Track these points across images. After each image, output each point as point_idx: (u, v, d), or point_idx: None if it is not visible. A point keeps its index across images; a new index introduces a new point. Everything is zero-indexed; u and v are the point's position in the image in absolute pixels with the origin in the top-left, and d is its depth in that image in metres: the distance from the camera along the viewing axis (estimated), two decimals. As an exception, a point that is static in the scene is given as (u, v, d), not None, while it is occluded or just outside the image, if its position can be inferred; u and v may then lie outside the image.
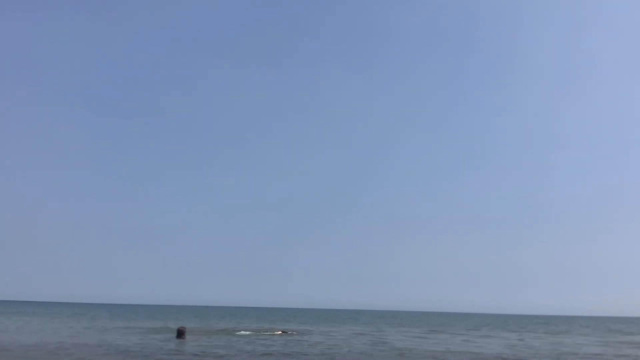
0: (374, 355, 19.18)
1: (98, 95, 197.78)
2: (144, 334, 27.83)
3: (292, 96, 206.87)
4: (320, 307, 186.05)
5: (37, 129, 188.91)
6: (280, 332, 31.67)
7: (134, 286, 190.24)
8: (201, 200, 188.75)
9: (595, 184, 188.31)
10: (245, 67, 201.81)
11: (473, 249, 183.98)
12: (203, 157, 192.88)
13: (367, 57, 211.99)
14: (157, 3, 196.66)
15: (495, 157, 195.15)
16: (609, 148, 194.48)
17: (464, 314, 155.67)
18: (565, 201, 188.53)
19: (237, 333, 30.33)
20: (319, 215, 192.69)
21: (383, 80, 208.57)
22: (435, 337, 31.10)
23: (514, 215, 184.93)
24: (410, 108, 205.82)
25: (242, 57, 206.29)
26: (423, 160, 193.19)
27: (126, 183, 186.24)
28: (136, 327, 34.71)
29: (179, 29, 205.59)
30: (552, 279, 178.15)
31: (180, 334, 23.94)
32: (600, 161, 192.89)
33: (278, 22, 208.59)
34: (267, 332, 31.80)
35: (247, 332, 30.99)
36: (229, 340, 24.87)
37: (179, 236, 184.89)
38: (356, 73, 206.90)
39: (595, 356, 20.97)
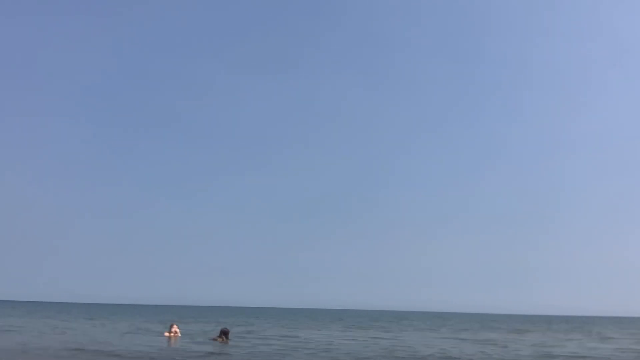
0: None
1: (104, 98, 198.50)
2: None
3: (306, 101, 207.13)
4: (336, 308, 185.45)
5: (40, 129, 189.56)
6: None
7: (150, 287, 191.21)
8: (213, 203, 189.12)
9: (608, 185, 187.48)
10: (257, 74, 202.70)
11: (489, 250, 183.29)
12: (217, 160, 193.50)
13: (382, 64, 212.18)
14: (165, 10, 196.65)
15: (509, 159, 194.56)
16: (620, 150, 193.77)
17: (482, 314, 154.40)
18: (580, 202, 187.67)
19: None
20: (334, 217, 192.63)
21: (398, 86, 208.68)
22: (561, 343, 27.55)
23: (528, 216, 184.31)
24: (426, 113, 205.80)
25: (254, 63, 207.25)
26: (438, 163, 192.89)
27: (142, 188, 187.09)
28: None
29: (188, 36, 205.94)
30: (568, 279, 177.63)
31: (224, 334, 23.09)
32: (612, 163, 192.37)
33: (290, 30, 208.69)
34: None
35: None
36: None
37: (190, 238, 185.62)
38: (371, 79, 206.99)
39: None
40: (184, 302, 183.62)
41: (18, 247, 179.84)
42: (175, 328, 24.90)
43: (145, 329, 32.30)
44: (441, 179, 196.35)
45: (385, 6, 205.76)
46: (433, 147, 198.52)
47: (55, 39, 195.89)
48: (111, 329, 31.23)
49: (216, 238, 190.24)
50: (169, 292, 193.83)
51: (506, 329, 46.25)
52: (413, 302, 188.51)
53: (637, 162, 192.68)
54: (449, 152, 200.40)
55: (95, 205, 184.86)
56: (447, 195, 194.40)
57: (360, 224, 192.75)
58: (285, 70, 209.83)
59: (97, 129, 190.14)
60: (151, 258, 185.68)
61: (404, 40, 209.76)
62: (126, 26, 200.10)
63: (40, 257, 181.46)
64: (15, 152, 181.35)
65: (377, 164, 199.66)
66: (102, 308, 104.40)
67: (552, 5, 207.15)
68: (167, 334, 24.91)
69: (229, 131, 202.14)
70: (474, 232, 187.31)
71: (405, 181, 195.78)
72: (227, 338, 22.78)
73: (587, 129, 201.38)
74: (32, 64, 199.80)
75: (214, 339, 22.92)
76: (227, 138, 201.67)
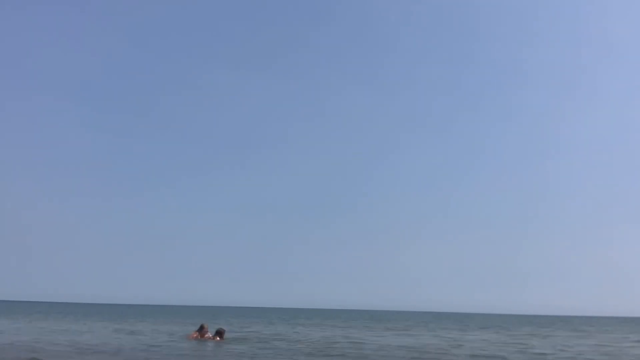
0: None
1: (101, 94, 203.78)
2: (166, 334, 28.66)
3: (293, 99, 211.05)
4: (324, 308, 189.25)
5: (41, 127, 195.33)
6: None
7: (133, 287, 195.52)
8: (203, 201, 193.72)
9: (597, 186, 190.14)
10: (247, 71, 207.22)
11: (476, 249, 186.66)
12: (206, 158, 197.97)
13: (369, 62, 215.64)
14: (164, 5, 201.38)
15: (499, 159, 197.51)
16: (611, 150, 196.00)
17: (472, 314, 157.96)
18: (569, 202, 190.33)
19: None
20: (321, 216, 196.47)
21: (385, 85, 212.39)
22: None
23: (519, 216, 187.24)
24: (413, 111, 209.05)
25: (244, 61, 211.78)
26: (425, 161, 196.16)
27: (129, 183, 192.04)
28: (151, 328, 35.28)
29: (183, 31, 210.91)
30: (557, 279, 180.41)
31: (219, 334, 24.06)
32: (602, 164, 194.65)
33: (278, 29, 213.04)
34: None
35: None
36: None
37: (181, 237, 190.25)
38: (357, 78, 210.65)
39: None
40: (175, 302, 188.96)
41: (13, 246, 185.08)
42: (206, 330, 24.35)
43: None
44: (432, 178, 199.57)
45: (376, 6, 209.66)
46: (425, 146, 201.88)
47: (51, 36, 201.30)
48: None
49: (202, 237, 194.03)
50: (149, 292, 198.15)
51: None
52: (403, 302, 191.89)
53: (628, 162, 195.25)
54: (440, 152, 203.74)
55: (91, 205, 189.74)
56: (437, 195, 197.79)
57: (349, 223, 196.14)
58: (274, 69, 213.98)
59: (92, 127, 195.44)
60: (131, 257, 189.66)
61: (393, 41, 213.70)
62: (127, 20, 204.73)
63: (35, 256, 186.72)
64: (12, 152, 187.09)
65: (366, 162, 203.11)
66: (102, 308, 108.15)
67: (543, 7, 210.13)
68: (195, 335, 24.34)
69: (218, 128, 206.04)
70: (464, 232, 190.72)
71: (395, 179, 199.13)
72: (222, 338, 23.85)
73: (577, 130, 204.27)
74: (29, 62, 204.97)
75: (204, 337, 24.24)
76: (216, 135, 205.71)
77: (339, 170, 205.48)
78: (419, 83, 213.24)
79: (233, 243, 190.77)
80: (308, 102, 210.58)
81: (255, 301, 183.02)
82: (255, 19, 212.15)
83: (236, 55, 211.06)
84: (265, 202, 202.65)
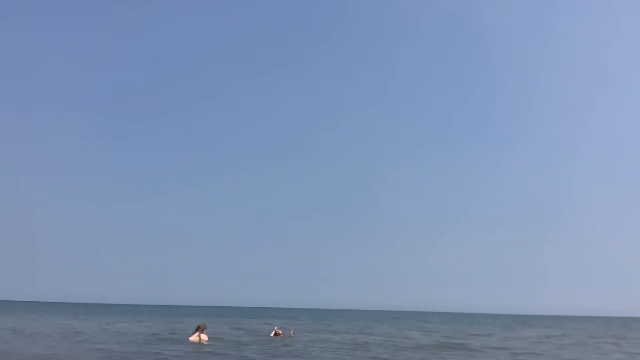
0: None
1: (101, 97, 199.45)
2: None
3: (320, 105, 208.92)
4: (349, 308, 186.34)
5: (46, 129, 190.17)
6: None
7: (171, 288, 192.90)
8: (231, 205, 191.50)
9: (613, 187, 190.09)
10: (263, 76, 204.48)
11: (495, 250, 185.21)
12: (232, 161, 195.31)
13: (386, 70, 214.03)
14: (170, 12, 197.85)
15: (514, 161, 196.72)
16: (626, 151, 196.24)
17: (492, 315, 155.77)
18: (585, 203, 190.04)
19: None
20: (341, 219, 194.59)
21: (404, 90, 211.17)
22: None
23: (534, 217, 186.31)
24: (431, 117, 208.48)
25: (262, 66, 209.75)
26: (444, 165, 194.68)
27: (158, 188, 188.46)
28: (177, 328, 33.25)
29: (194, 39, 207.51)
30: (575, 279, 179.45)
31: (198, 330, 21.86)
32: (618, 165, 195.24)
33: (295, 35, 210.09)
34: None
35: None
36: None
37: (210, 240, 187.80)
38: (377, 85, 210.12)
39: None
40: (186, 303, 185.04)
41: (14, 246, 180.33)
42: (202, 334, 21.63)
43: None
44: (448, 180, 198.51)
45: (386, 15, 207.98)
46: (439, 149, 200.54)
47: (59, 40, 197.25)
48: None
49: (220, 238, 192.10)
50: (172, 292, 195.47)
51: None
52: (421, 303, 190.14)
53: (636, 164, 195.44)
54: (455, 154, 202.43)
55: (94, 204, 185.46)
56: (453, 196, 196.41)
57: (368, 225, 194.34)
58: (289, 73, 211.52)
59: (97, 127, 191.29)
60: (164, 261, 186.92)
61: (408, 46, 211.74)
62: (129, 28, 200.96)
63: (36, 256, 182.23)
64: (12, 151, 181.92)
65: (388, 165, 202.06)
66: (106, 308, 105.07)
67: (558, 8, 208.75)
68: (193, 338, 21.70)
69: (244, 132, 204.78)
70: (480, 233, 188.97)
71: (412, 182, 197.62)
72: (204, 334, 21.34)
73: (592, 132, 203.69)
74: (38, 63, 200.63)
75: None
76: (242, 138, 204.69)
77: (365, 173, 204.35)
78: (437, 87, 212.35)
79: (262, 246, 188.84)
80: (332, 112, 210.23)
81: (282, 302, 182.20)
82: (269, 25, 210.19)
83: (252, 60, 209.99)
84: (285, 204, 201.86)
